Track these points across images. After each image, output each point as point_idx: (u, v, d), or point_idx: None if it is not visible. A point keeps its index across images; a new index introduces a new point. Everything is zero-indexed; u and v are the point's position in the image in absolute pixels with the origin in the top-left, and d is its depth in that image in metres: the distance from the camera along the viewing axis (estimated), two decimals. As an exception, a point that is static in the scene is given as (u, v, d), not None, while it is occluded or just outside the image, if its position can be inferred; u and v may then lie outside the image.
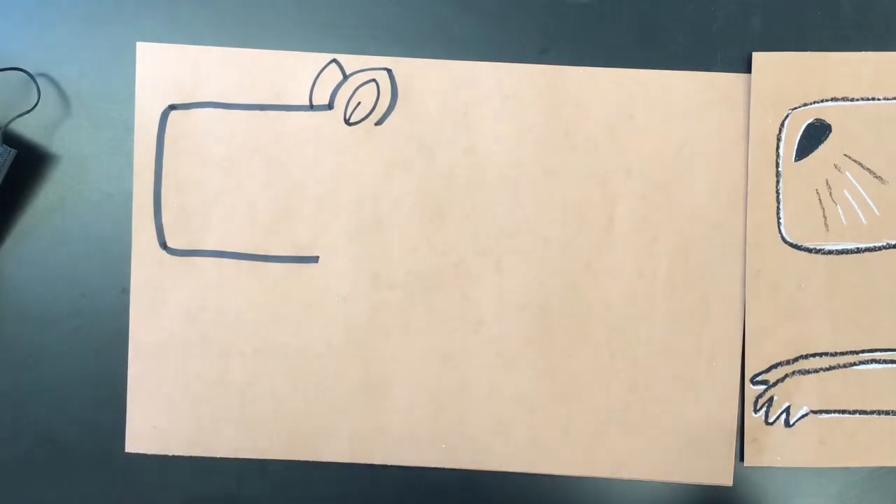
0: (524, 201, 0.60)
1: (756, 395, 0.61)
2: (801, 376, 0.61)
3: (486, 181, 0.60)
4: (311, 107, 0.60)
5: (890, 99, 0.60)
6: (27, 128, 0.60)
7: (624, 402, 0.61)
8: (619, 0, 0.60)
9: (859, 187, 0.60)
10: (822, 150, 0.60)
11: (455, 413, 0.60)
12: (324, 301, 0.60)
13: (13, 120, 0.58)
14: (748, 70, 0.60)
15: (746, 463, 0.61)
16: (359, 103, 0.60)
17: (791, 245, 0.60)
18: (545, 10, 0.60)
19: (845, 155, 0.60)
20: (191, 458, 0.61)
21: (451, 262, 0.60)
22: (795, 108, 0.60)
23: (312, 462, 0.61)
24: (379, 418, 0.61)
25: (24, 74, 0.59)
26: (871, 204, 0.60)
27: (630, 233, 0.60)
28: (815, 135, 0.60)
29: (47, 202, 0.60)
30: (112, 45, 0.60)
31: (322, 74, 0.59)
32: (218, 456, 0.61)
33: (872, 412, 0.61)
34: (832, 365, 0.61)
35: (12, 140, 0.59)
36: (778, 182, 0.60)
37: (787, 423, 0.61)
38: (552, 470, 0.61)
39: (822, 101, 0.60)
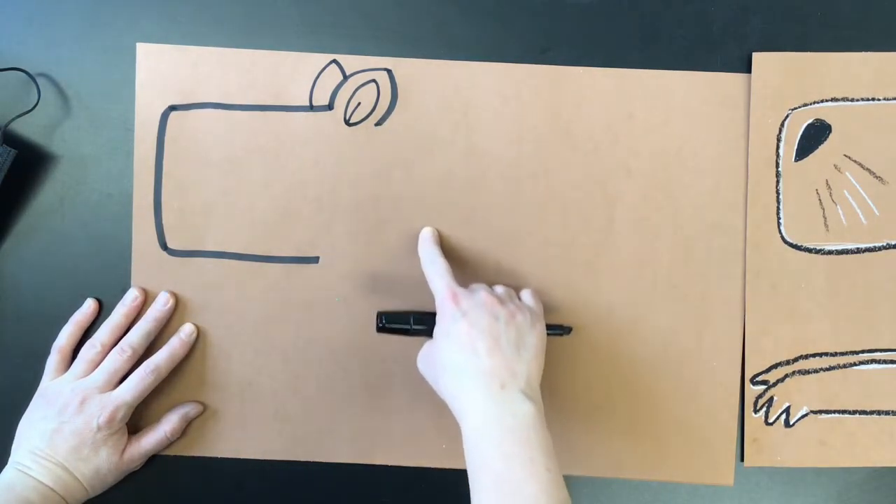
0: (524, 201, 0.60)
1: (756, 395, 0.61)
2: (801, 376, 0.61)
3: (486, 181, 0.60)
4: (311, 107, 0.60)
5: (890, 99, 0.60)
6: (27, 128, 0.60)
7: (624, 402, 0.61)
8: (619, 0, 0.60)
9: (859, 187, 0.60)
10: (822, 150, 0.60)
11: (455, 413, 0.60)
12: (324, 301, 0.60)
13: (13, 120, 0.58)
14: (748, 70, 0.60)
15: (747, 463, 0.61)
16: (359, 104, 0.60)
17: (791, 245, 0.60)
18: (545, 10, 0.60)
19: (845, 155, 0.60)
20: (191, 458, 0.61)
21: (451, 263, 0.60)
22: (795, 108, 0.60)
23: (312, 462, 0.61)
24: (379, 418, 0.61)
25: (24, 74, 0.59)
26: (871, 204, 0.60)
27: (630, 233, 0.60)
28: (815, 135, 0.60)
29: (47, 202, 0.60)
30: (112, 45, 0.60)
31: (322, 75, 0.59)
32: (218, 456, 0.61)
33: (872, 412, 0.61)
34: (832, 365, 0.61)
35: (12, 140, 0.59)
36: (778, 182, 0.60)
37: (787, 423, 0.61)
38: (552, 470, 0.61)
39: (822, 101, 0.60)
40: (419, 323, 0.56)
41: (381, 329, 0.57)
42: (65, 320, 0.59)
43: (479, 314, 0.51)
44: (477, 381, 0.49)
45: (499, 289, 0.55)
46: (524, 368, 0.50)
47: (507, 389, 0.49)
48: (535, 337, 0.52)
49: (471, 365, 0.50)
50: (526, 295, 0.57)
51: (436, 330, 0.53)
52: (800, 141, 0.60)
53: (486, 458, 0.48)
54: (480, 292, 0.53)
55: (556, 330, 0.58)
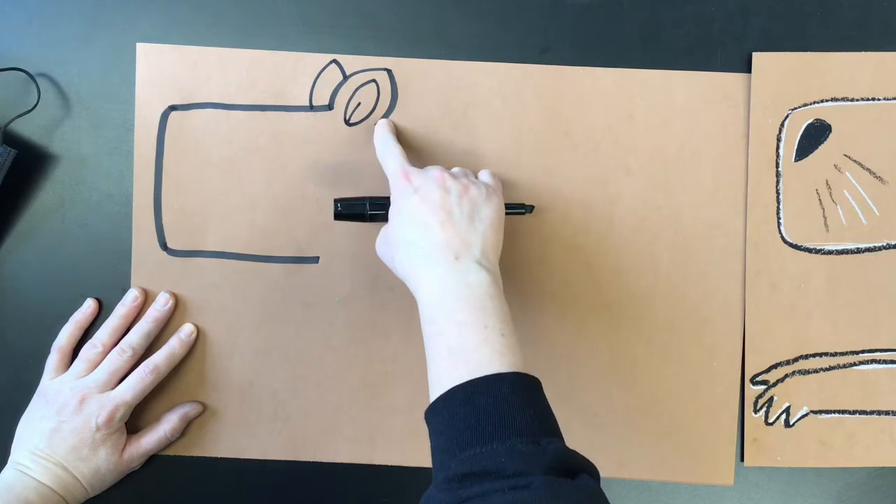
0: (524, 201, 0.60)
1: (756, 395, 0.61)
2: (801, 376, 0.61)
3: (486, 181, 0.60)
4: (311, 107, 0.60)
5: (890, 99, 0.60)
6: (27, 128, 0.60)
7: (624, 402, 0.61)
8: (619, 0, 0.60)
9: (859, 187, 0.60)
10: (822, 150, 0.60)
11: (455, 413, 0.60)
12: (324, 301, 0.60)
13: (13, 120, 0.58)
14: (748, 70, 0.60)
15: (747, 463, 0.61)
16: (359, 104, 0.60)
17: (791, 245, 0.60)
18: (545, 10, 0.60)
19: (845, 155, 0.60)
20: (191, 458, 0.61)
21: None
22: (795, 108, 0.60)
23: (312, 462, 0.61)
24: (379, 418, 0.61)
25: (24, 74, 0.59)
26: (871, 204, 0.60)
27: (630, 233, 0.60)
28: (815, 135, 0.60)
29: (47, 202, 0.60)
30: (112, 45, 0.60)
31: (322, 75, 0.59)
32: (218, 456, 0.61)
33: (872, 412, 0.61)
34: (832, 365, 0.61)
35: (12, 140, 0.59)
36: (778, 182, 0.60)
37: (787, 424, 0.61)
38: (552, 470, 0.61)
39: (821, 101, 0.60)
40: (375, 207, 0.55)
41: (338, 216, 0.56)
42: (65, 320, 0.59)
43: (430, 189, 0.50)
44: (430, 254, 0.48)
45: (455, 169, 0.54)
46: (478, 239, 0.49)
47: (461, 260, 0.48)
48: (491, 209, 0.51)
49: (424, 239, 0.49)
50: (484, 174, 0.56)
51: (390, 209, 0.52)
52: (800, 141, 0.60)
53: (441, 328, 0.47)
54: (433, 170, 0.52)
55: (517, 208, 0.58)
